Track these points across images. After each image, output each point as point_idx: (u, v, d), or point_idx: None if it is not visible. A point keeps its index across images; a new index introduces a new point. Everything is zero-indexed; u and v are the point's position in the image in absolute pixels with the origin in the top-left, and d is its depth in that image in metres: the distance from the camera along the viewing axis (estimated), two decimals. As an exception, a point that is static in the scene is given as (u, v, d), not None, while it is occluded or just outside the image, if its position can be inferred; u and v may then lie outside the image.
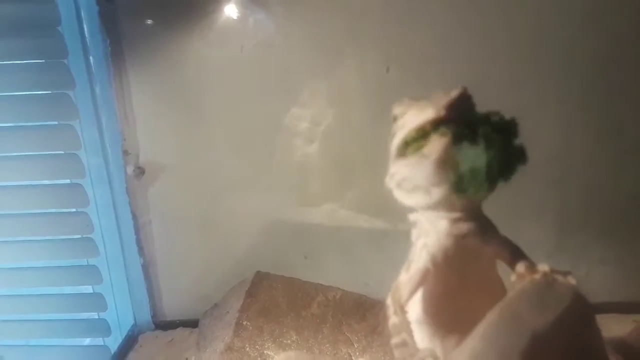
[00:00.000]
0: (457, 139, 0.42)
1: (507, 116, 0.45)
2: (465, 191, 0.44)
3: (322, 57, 0.79)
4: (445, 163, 0.42)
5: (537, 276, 0.44)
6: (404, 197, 0.48)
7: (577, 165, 0.80)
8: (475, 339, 0.41)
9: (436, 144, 0.42)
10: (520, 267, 0.46)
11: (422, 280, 0.48)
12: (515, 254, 0.47)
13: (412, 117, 0.45)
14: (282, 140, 0.83)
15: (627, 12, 0.75)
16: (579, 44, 0.76)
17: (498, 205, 0.46)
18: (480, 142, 0.42)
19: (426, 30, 0.77)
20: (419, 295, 0.50)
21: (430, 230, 0.48)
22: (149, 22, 0.79)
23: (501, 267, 0.50)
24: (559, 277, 0.43)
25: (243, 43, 0.79)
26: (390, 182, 0.48)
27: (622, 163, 0.80)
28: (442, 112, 0.43)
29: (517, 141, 0.45)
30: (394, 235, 0.82)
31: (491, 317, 0.42)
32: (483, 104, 0.46)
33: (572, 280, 0.43)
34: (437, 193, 0.45)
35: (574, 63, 0.77)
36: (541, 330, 0.40)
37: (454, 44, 0.77)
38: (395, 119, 0.48)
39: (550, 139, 0.78)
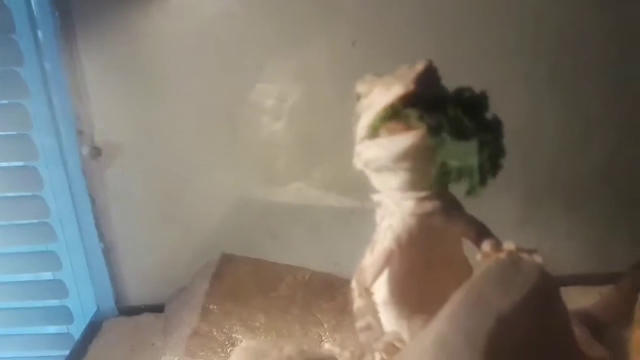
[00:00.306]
0: (434, 131, 0.40)
1: (477, 90, 0.44)
2: (445, 186, 0.43)
3: (287, 28, 0.76)
4: (419, 151, 0.41)
5: (502, 255, 0.44)
6: (370, 177, 0.47)
7: (543, 139, 0.80)
8: (441, 320, 0.41)
9: (411, 132, 0.41)
10: (486, 245, 0.46)
11: (387, 262, 0.47)
12: (481, 233, 0.47)
13: (379, 95, 0.43)
14: (247, 117, 0.80)
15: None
16: (546, 18, 0.75)
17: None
18: (471, 141, 0.41)
19: (393, 4, 0.75)
20: (384, 277, 0.49)
21: (395, 211, 0.47)
22: (102, -8, 0.75)
23: (467, 245, 0.49)
24: (525, 256, 0.43)
25: (203, 13, 0.75)
26: (358, 162, 0.47)
27: (588, 137, 0.80)
28: (411, 87, 0.41)
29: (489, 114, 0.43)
30: (363, 213, 0.80)
31: (457, 297, 0.41)
32: (450, 79, 0.44)
33: (537, 259, 0.43)
34: (405, 175, 0.45)
35: (541, 38, 0.76)
36: (507, 310, 0.39)
37: (422, 18, 0.75)
38: (359, 97, 0.46)
39: (517, 113, 0.77)
